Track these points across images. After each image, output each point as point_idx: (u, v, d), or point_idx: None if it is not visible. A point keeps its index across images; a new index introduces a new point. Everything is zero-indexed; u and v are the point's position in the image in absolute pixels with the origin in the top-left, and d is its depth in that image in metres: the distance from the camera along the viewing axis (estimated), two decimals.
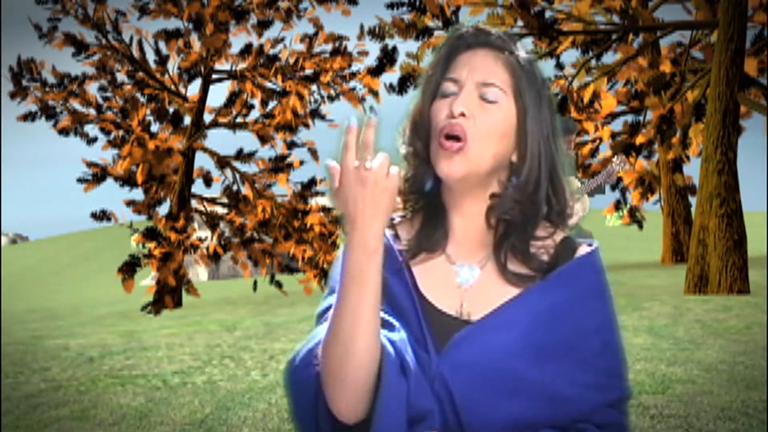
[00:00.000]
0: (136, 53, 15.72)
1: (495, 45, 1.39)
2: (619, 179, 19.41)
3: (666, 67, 16.10)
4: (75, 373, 7.32)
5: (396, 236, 1.45)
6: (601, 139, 18.65)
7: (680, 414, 4.50)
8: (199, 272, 32.71)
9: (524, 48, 1.41)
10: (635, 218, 20.11)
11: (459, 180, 1.35)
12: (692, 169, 18.94)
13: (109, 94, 15.81)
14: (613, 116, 18.24)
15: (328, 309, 1.38)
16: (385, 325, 1.32)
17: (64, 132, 15.64)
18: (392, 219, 1.48)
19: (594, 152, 19.19)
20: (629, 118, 18.17)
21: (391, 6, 13.90)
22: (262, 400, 5.55)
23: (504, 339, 1.32)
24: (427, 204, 1.43)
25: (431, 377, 1.31)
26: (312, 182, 16.54)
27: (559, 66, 16.83)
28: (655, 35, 16.01)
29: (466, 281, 1.39)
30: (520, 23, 13.79)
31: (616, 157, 9.39)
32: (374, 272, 1.24)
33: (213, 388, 6.07)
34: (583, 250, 1.42)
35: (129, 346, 8.98)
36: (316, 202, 16.98)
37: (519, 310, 1.34)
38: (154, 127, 15.77)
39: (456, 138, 1.33)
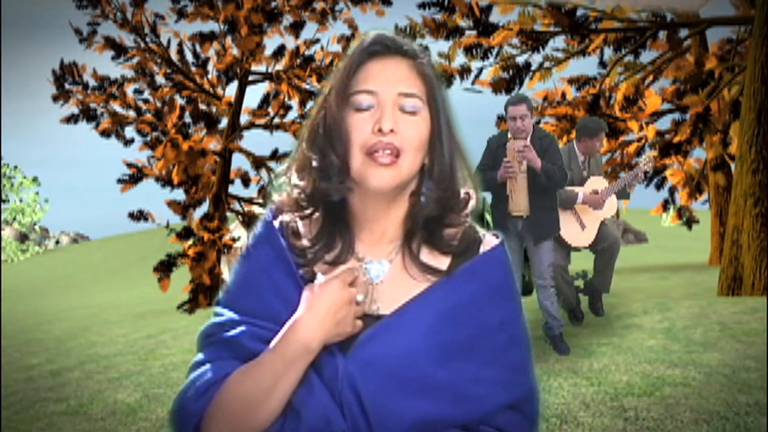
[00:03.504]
0: (174, 56, 15.97)
1: (406, 53, 1.37)
2: (664, 179, 19.00)
3: (711, 64, 15.70)
4: (87, 370, 7.47)
5: (297, 234, 1.42)
6: (646, 138, 18.27)
7: (657, 417, 4.38)
8: None
9: (424, 51, 1.40)
10: (685, 218, 19.64)
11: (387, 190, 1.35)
12: None
13: (148, 97, 16.08)
14: (659, 114, 17.86)
15: (218, 327, 1.38)
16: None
17: (105, 134, 15.97)
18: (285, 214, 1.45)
19: (640, 151, 18.82)
20: (677, 116, 17.77)
21: (422, 6, 13.87)
22: None
23: (409, 339, 1.31)
24: (328, 211, 1.40)
25: (339, 377, 1.30)
26: None
27: (603, 64, 16.57)
28: (692, 31, 15.62)
29: (376, 277, 1.39)
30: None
31: (644, 157, 9.19)
32: (302, 366, 1.29)
33: None
34: (488, 243, 1.42)
35: (149, 344, 9.13)
36: None
37: (424, 308, 1.33)
38: (192, 129, 15.99)
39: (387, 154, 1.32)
